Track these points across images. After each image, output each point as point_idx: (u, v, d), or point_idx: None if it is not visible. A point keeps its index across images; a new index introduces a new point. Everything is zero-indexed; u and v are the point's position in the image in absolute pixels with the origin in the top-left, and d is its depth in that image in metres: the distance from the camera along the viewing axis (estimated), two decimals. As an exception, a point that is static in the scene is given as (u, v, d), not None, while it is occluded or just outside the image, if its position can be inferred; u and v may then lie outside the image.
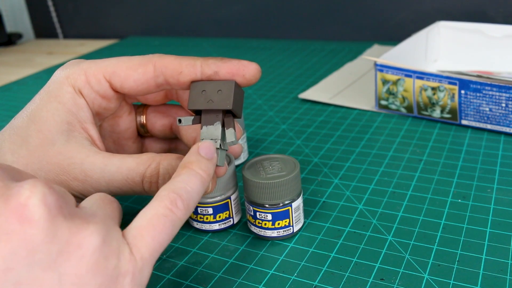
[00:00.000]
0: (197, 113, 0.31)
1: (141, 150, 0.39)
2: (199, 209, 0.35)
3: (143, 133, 0.38)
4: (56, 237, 0.20)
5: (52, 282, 0.20)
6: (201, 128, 0.31)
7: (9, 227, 0.20)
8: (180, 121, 0.31)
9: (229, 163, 0.35)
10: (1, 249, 0.19)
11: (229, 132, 0.30)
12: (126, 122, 0.37)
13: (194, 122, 0.31)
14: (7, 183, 0.21)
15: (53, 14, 1.16)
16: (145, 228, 0.24)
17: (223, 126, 0.31)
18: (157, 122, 0.37)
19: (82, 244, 0.21)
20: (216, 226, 0.36)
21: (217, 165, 0.31)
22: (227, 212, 0.35)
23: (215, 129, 0.30)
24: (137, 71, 0.31)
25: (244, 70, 0.30)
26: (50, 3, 1.15)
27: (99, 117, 0.34)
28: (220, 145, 0.30)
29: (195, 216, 0.35)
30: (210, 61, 0.30)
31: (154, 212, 0.24)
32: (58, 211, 0.21)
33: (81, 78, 0.32)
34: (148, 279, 0.24)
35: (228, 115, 0.31)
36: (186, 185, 0.26)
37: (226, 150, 0.31)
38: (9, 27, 1.20)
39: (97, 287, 0.21)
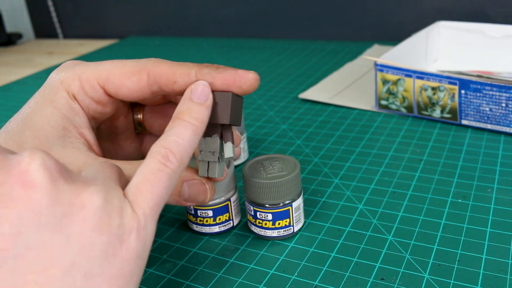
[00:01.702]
0: None
1: (140, 149, 0.39)
2: (198, 211, 0.35)
3: (141, 131, 0.38)
4: (59, 199, 0.21)
5: (60, 243, 0.21)
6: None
7: (13, 193, 0.20)
8: None
9: (228, 165, 0.35)
10: (9, 215, 0.20)
11: (227, 147, 0.30)
12: (124, 123, 0.36)
13: None
14: (6, 155, 0.21)
15: (53, 14, 1.16)
16: (142, 184, 0.24)
17: (221, 138, 0.30)
18: (155, 122, 0.37)
19: (84, 205, 0.22)
20: (216, 229, 0.36)
21: (216, 177, 0.30)
22: (227, 214, 0.35)
23: (213, 141, 0.30)
24: (131, 79, 0.31)
25: (241, 80, 0.29)
26: (50, 3, 1.15)
27: (95, 121, 0.34)
28: (218, 157, 0.30)
29: (195, 219, 0.35)
30: (205, 71, 0.30)
31: (149, 168, 0.25)
32: (59, 175, 0.21)
33: (75, 83, 0.31)
34: (153, 235, 0.24)
35: (227, 126, 0.31)
36: (177, 138, 0.27)
37: (224, 162, 0.31)
38: (9, 27, 1.20)
39: (103, 246, 0.22)
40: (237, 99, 0.30)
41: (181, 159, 0.26)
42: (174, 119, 0.28)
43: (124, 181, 0.26)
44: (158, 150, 0.26)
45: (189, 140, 0.27)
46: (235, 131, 0.32)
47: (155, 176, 0.25)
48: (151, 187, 0.24)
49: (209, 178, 0.31)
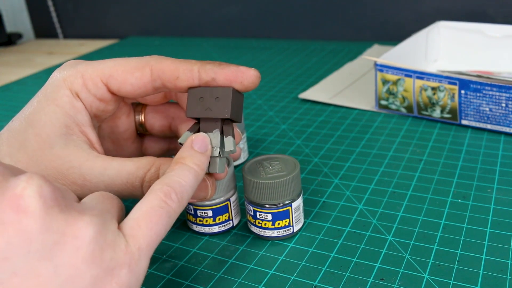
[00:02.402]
0: (196, 119, 0.31)
1: (141, 149, 0.39)
2: (198, 211, 0.35)
3: (142, 132, 0.38)
4: (51, 227, 0.21)
5: (48, 272, 0.20)
6: None
7: (4, 217, 0.20)
8: (181, 144, 0.30)
9: (228, 165, 0.35)
10: None
11: (228, 141, 0.30)
12: (125, 123, 0.36)
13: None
14: (6, 177, 0.21)
15: (53, 14, 1.16)
16: (142, 219, 0.24)
17: (222, 133, 0.30)
18: (156, 122, 0.37)
19: (77, 235, 0.21)
20: (215, 229, 0.36)
21: (217, 172, 0.31)
22: (227, 214, 0.35)
23: (214, 136, 0.30)
24: (134, 75, 0.31)
25: (242, 76, 0.30)
26: (50, 3, 1.15)
27: (98, 119, 0.34)
28: (219, 152, 0.30)
29: (195, 219, 0.35)
30: (207, 67, 0.30)
31: (150, 204, 0.25)
32: (54, 203, 0.21)
33: (77, 81, 0.32)
34: (146, 270, 0.24)
35: (227, 122, 0.31)
36: (180, 179, 0.27)
37: (225, 158, 0.31)
38: (9, 27, 1.20)
39: (93, 278, 0.21)
40: (238, 95, 0.30)
41: (181, 199, 0.26)
42: (176, 162, 0.28)
43: (121, 215, 0.26)
44: (160, 188, 0.26)
45: (190, 183, 0.27)
46: (236, 128, 0.32)
47: (156, 213, 0.25)
48: (150, 224, 0.24)
49: (210, 174, 0.31)
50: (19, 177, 0.21)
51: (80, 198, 0.31)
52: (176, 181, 0.27)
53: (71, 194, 0.24)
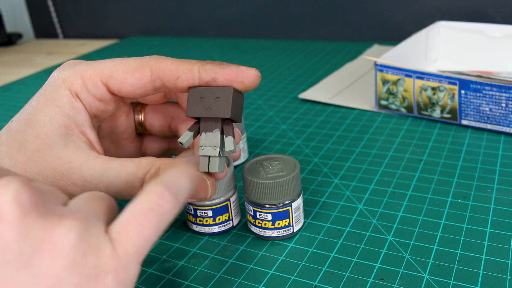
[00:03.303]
0: (196, 118, 0.31)
1: (140, 149, 0.39)
2: (198, 211, 0.35)
3: (141, 132, 0.38)
4: (29, 235, 0.20)
5: (26, 282, 0.19)
6: (200, 135, 0.30)
7: None
8: (181, 143, 0.30)
9: (228, 165, 0.35)
10: None
11: (228, 141, 0.30)
12: (125, 122, 0.36)
13: (194, 136, 0.31)
14: None
15: (53, 14, 1.16)
16: (131, 223, 0.23)
17: (222, 133, 0.30)
18: (156, 122, 0.37)
19: (56, 242, 0.20)
20: (215, 229, 0.36)
21: (216, 172, 0.30)
22: (227, 214, 0.35)
23: (214, 136, 0.30)
24: (134, 75, 0.31)
25: (243, 76, 0.30)
26: (50, 3, 1.15)
27: (97, 119, 0.34)
28: (219, 152, 0.30)
29: (194, 219, 0.35)
30: (207, 67, 0.30)
31: (140, 206, 0.23)
32: (32, 208, 0.20)
33: (77, 81, 0.31)
34: (136, 277, 0.23)
35: (228, 122, 0.31)
36: (175, 179, 0.25)
37: (225, 157, 0.31)
38: (9, 27, 1.20)
39: (75, 287, 0.20)
40: (238, 95, 0.31)
41: (177, 200, 0.25)
42: (175, 164, 0.27)
43: (112, 216, 0.25)
44: (154, 189, 0.24)
45: (186, 184, 0.26)
46: (236, 128, 0.32)
47: (146, 216, 0.23)
48: (139, 227, 0.22)
49: (210, 174, 0.31)
50: None
51: None
52: (171, 181, 0.25)
53: (59, 196, 0.23)
